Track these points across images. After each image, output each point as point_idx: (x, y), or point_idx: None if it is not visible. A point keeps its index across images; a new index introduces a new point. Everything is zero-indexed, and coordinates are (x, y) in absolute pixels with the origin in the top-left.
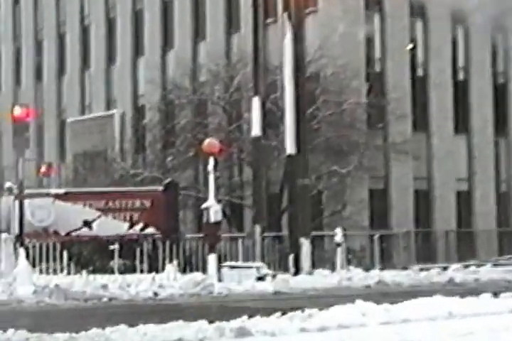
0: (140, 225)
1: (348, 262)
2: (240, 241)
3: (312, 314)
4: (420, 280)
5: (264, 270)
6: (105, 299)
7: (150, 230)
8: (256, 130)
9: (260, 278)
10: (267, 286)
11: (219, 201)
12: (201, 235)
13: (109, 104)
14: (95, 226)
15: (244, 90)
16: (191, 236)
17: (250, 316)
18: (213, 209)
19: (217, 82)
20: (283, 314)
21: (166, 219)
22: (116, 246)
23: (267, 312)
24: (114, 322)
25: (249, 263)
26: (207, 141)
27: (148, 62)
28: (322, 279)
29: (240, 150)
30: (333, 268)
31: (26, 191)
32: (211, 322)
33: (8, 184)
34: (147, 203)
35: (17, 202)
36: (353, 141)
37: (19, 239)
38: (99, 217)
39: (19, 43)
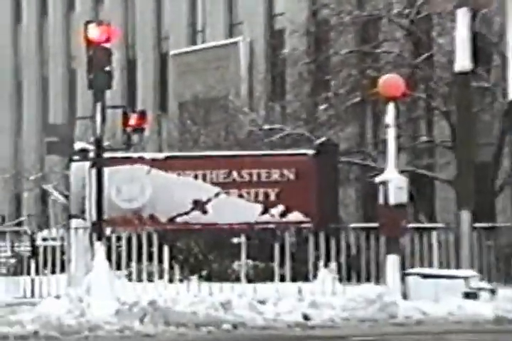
0: (279, 208)
1: None
2: (433, 235)
3: None
4: None
5: (477, 282)
6: (227, 325)
7: (294, 216)
8: (462, 62)
9: (470, 295)
10: (483, 308)
11: (401, 172)
12: (374, 225)
13: (232, 28)
14: (211, 209)
15: (439, 2)
16: (358, 227)
17: None
18: (394, 185)
19: None
20: None
21: (319, 199)
22: (243, 240)
23: None
24: None
25: (453, 271)
26: (383, 79)
27: None
28: None
29: (430, 95)
30: None
31: (108, 155)
32: None
33: (80, 144)
34: (290, 174)
35: (94, 172)
36: None
37: (97, 228)
38: (217, 195)
39: None
